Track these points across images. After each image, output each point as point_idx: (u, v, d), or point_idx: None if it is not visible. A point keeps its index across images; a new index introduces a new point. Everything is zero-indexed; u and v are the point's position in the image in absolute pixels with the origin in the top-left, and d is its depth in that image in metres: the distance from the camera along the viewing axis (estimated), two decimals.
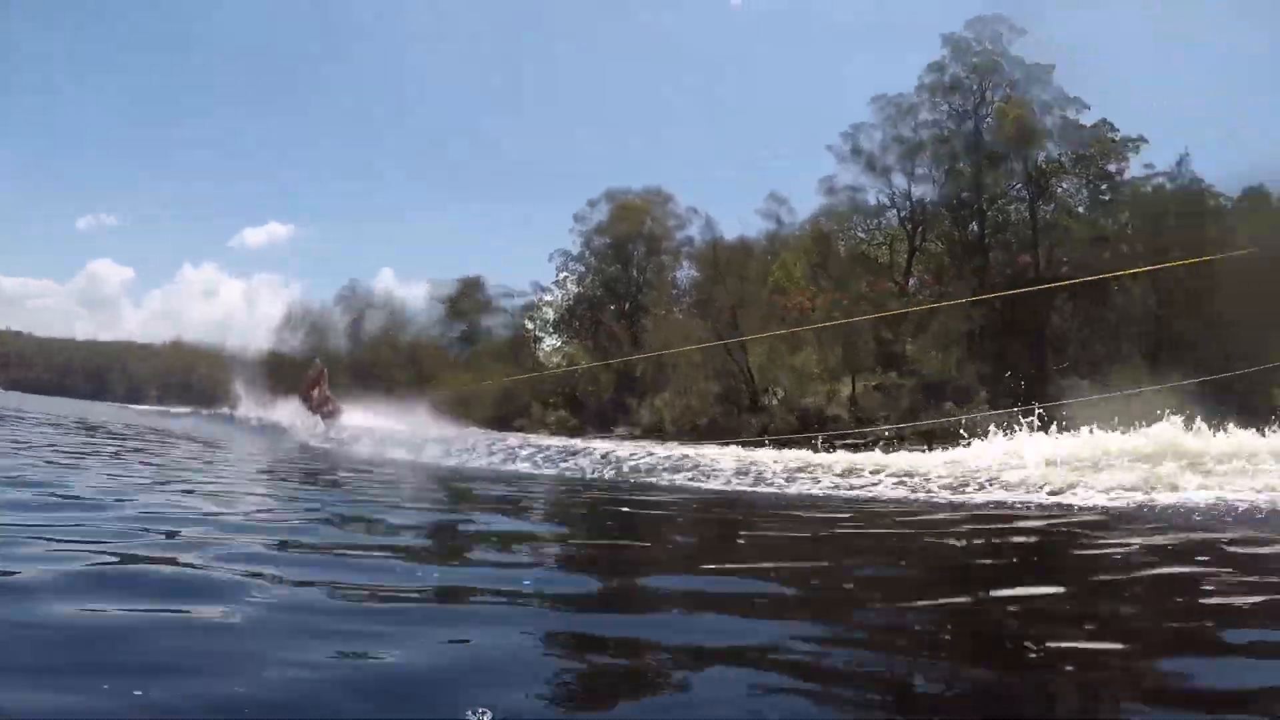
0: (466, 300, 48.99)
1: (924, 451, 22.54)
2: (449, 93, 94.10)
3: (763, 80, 79.48)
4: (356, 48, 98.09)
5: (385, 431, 19.30)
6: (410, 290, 79.20)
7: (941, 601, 4.24)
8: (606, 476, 11.31)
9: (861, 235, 40.74)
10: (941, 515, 7.57)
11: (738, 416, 37.69)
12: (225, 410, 39.31)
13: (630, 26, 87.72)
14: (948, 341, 34.78)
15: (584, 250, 47.05)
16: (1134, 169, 36.00)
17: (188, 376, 76.52)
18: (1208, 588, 4.47)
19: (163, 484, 7.63)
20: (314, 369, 30.25)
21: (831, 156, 39.31)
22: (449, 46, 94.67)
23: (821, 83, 78.41)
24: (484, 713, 2.17)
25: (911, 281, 38.60)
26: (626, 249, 45.70)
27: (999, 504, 8.45)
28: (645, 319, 43.99)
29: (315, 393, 28.64)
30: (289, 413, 30.27)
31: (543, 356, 49.75)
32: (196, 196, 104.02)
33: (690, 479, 10.40)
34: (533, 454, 13.74)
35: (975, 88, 37.78)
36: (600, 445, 18.54)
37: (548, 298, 48.98)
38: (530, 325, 49.93)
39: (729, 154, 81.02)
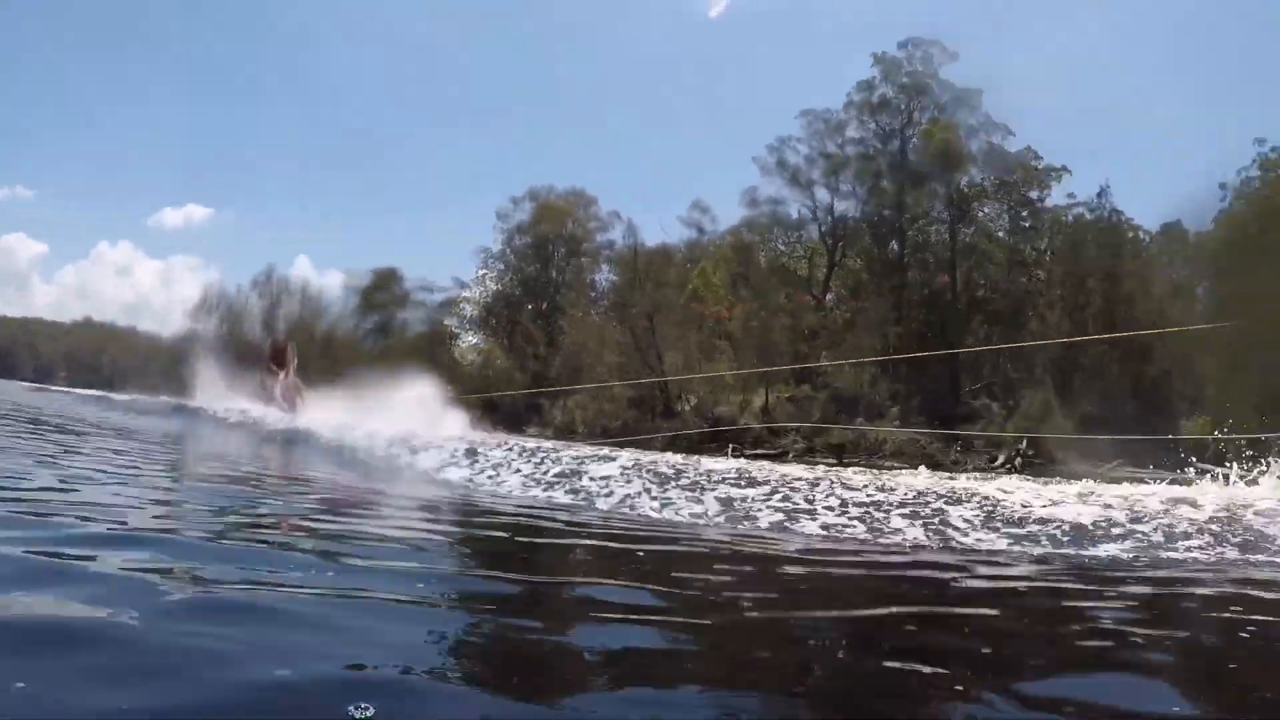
0: (382, 292, 46.44)
1: (841, 464, 20.98)
2: (398, 93, 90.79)
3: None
4: (289, 36, 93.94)
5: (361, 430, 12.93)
6: (328, 280, 76.43)
7: None
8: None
9: (782, 248, 39.38)
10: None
11: (651, 421, 36.08)
12: (147, 395, 32.88)
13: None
14: (864, 357, 33.56)
15: (505, 248, 44.95)
16: (1056, 198, 35.37)
17: (97, 358, 72.71)
18: None
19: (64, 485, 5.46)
20: (280, 340, 23.44)
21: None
22: (393, 42, 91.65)
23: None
24: (366, 708, 1.93)
25: (830, 296, 37.28)
26: (547, 249, 43.71)
27: None
28: (562, 320, 42.01)
29: (284, 374, 21.42)
30: (210, 397, 21.97)
31: (458, 354, 47.41)
32: (118, 173, 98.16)
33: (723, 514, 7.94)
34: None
35: (903, 108, 36.70)
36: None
37: (467, 294, 46.60)
38: (449, 321, 47.51)
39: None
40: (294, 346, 22.39)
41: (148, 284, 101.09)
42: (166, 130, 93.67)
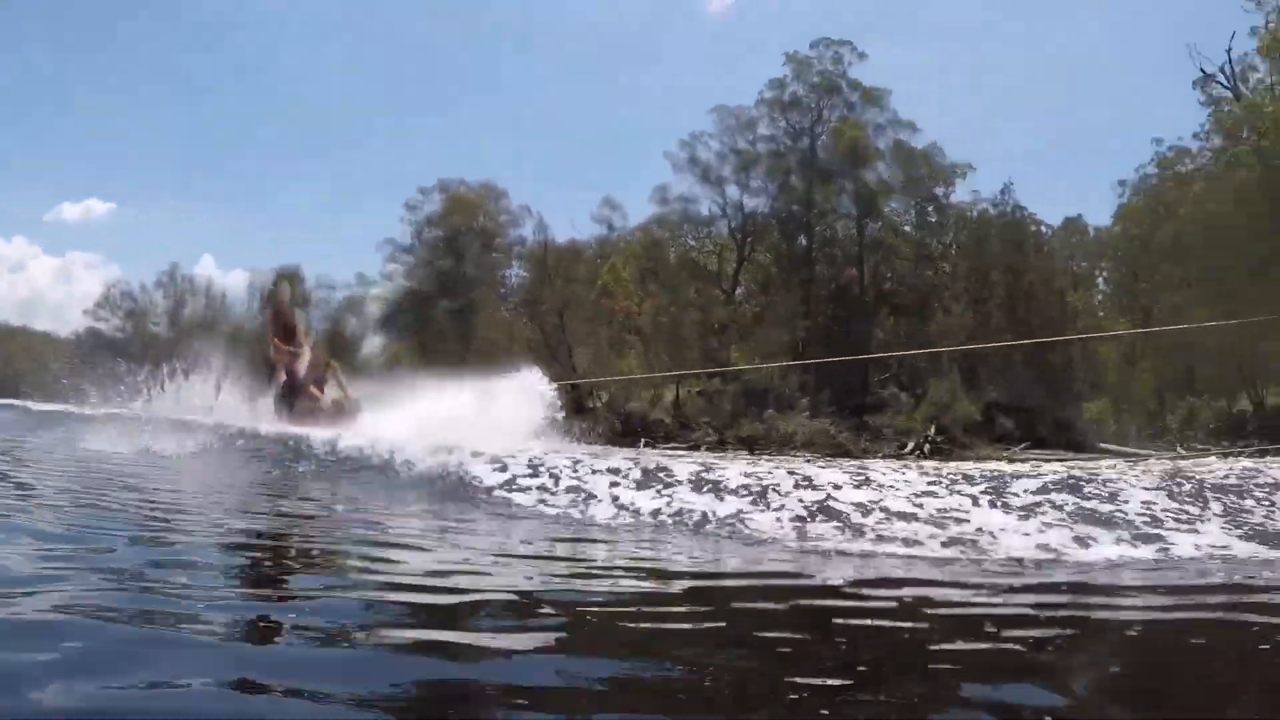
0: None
1: (754, 456, 20.07)
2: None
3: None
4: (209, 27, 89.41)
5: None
6: (232, 279, 73.65)
7: None
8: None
9: (692, 243, 38.71)
10: None
11: (564, 419, 34.89)
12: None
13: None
14: (772, 350, 32.99)
15: (414, 242, 42.82)
16: (961, 194, 35.40)
17: None
18: None
19: None
20: (283, 301, 14.89)
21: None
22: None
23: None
24: None
25: (739, 290, 36.68)
26: (458, 243, 41.88)
27: None
28: (473, 317, 40.37)
29: (301, 349, 13.58)
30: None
31: (362, 356, 45.10)
32: (12, 166, 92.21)
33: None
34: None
35: (814, 106, 36.31)
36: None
37: (375, 290, 44.46)
38: (354, 319, 45.31)
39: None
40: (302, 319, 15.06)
41: (43, 281, 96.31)
42: (67, 121, 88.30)
